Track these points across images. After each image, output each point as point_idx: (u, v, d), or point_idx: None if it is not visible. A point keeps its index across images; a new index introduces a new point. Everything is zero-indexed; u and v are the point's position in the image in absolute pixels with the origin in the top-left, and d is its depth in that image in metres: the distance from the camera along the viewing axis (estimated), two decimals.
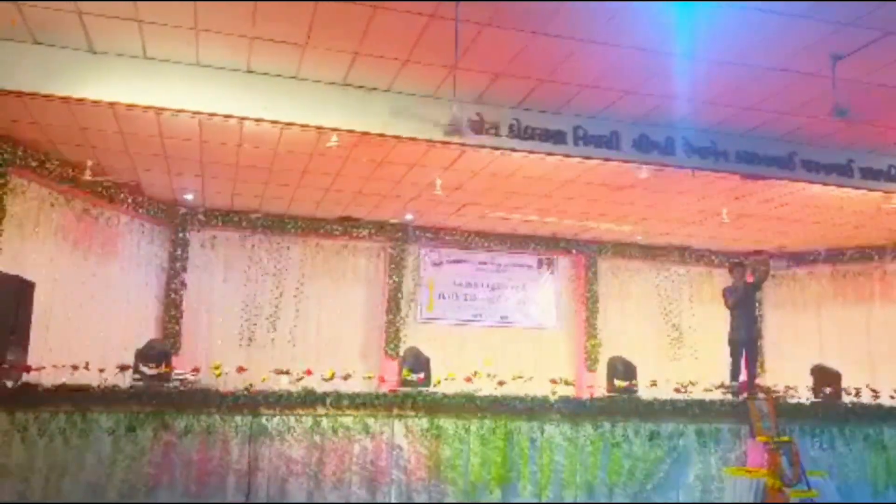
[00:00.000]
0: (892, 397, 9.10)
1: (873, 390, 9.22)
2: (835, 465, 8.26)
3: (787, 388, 9.57)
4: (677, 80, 7.18)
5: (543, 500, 7.41)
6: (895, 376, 10.24)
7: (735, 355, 9.53)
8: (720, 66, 6.95)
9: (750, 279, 10.11)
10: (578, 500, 7.50)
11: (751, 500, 7.49)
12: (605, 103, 7.91)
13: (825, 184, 9.14)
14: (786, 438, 7.85)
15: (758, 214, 11.36)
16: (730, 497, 7.60)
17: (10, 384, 6.71)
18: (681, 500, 7.72)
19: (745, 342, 9.49)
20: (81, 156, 9.22)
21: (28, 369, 7.04)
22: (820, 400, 8.85)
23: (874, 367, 12.16)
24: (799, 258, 13.95)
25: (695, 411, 8.03)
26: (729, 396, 8.79)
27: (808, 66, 6.86)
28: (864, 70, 6.84)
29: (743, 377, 9.42)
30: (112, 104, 7.19)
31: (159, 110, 7.36)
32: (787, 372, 10.69)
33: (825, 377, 9.22)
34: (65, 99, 7.07)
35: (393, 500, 7.06)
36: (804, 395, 9.14)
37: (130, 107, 7.24)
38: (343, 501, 6.93)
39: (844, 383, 9.16)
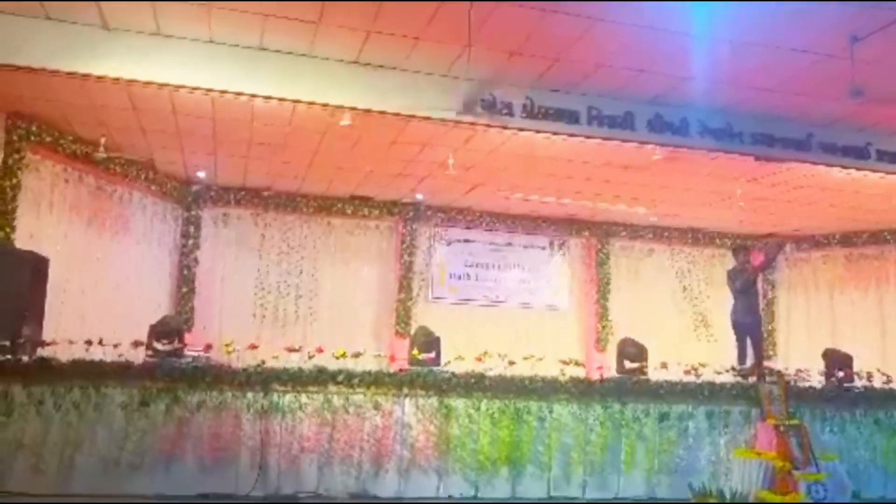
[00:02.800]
0: None
1: (885, 374, 9.17)
2: (845, 448, 8.25)
3: (799, 371, 9.53)
4: (693, 60, 7.10)
5: (552, 479, 7.46)
6: None
7: (740, 338, 9.58)
8: (737, 47, 6.86)
9: (756, 261, 10.13)
10: (586, 480, 7.54)
11: (760, 483, 7.50)
12: (620, 83, 7.83)
13: (842, 166, 9.05)
14: (796, 421, 7.84)
15: (772, 197, 11.26)
16: (738, 479, 7.61)
17: (25, 359, 6.80)
18: (690, 482, 7.75)
19: (748, 325, 9.52)
20: (95, 133, 9.25)
21: (43, 344, 7.13)
22: (831, 383, 8.82)
23: (886, 351, 12.10)
24: (813, 242, 13.85)
25: (704, 393, 8.04)
26: (739, 379, 8.78)
27: (826, 47, 6.76)
28: (882, 51, 6.73)
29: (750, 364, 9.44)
30: (125, 81, 7.19)
31: (172, 87, 7.37)
32: (798, 355, 10.65)
33: (837, 361, 9.19)
34: (77, 75, 7.08)
35: (404, 477, 7.12)
36: (815, 379, 9.11)
37: (143, 84, 7.25)
38: (352, 478, 7.00)
39: (856, 367, 9.12)
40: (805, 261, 14.07)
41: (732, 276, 9.63)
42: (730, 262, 13.97)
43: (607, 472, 7.61)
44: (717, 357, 10.17)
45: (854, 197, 11.02)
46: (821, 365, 9.27)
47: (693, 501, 7.48)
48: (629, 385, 8.07)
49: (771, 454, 7.55)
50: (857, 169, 9.11)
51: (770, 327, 13.73)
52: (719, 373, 8.78)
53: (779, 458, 7.47)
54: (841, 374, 8.95)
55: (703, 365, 8.75)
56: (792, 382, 8.60)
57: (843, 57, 6.74)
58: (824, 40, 6.64)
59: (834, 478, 7.57)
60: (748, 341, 9.57)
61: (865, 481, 8.16)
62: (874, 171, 9.18)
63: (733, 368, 9.19)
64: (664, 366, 8.66)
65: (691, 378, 8.35)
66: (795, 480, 7.36)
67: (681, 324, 13.98)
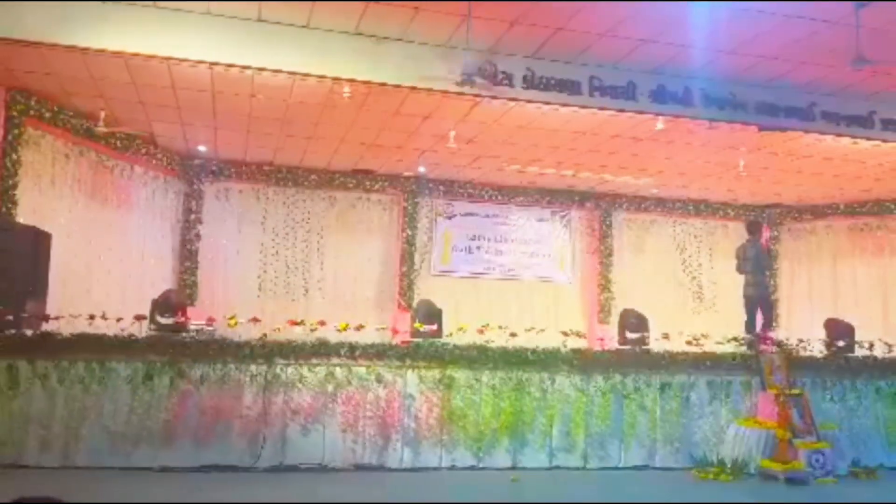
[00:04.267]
0: None
1: (887, 343, 9.19)
2: (846, 417, 8.30)
3: (800, 340, 9.55)
4: (695, 28, 7.02)
5: (553, 448, 7.52)
6: None
7: (750, 310, 9.71)
8: (739, 14, 6.78)
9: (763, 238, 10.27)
10: (587, 449, 7.60)
11: (760, 451, 7.56)
12: (622, 53, 7.76)
13: (846, 135, 8.99)
14: (797, 391, 7.88)
15: (776, 167, 11.20)
16: (740, 448, 7.66)
17: (30, 333, 6.85)
18: (691, 451, 7.81)
19: (760, 297, 9.75)
20: (95, 107, 9.21)
21: (47, 318, 7.18)
22: (832, 353, 8.85)
23: (888, 321, 12.11)
24: (816, 211, 13.81)
25: (706, 364, 8.07)
26: (741, 349, 8.81)
27: (831, 14, 6.68)
28: (887, 18, 6.64)
29: (759, 330, 9.56)
30: (124, 54, 7.15)
31: (171, 60, 7.32)
32: (800, 325, 10.67)
33: (838, 330, 9.21)
34: (76, 49, 7.05)
35: (407, 447, 7.19)
36: (817, 348, 9.14)
37: (141, 56, 7.20)
38: (357, 448, 7.07)
39: (858, 336, 9.14)
40: (808, 230, 14.03)
41: (745, 250, 9.77)
42: (733, 232, 14.09)
43: (608, 442, 7.67)
44: (719, 328, 10.19)
45: (858, 166, 10.95)
46: (822, 334, 9.30)
47: (694, 470, 7.56)
48: (631, 356, 8.10)
49: (772, 423, 7.60)
50: (862, 138, 9.04)
51: (773, 297, 13.75)
52: (721, 343, 8.80)
53: (780, 427, 7.52)
54: (842, 343, 8.97)
55: (704, 336, 8.77)
56: (794, 352, 8.62)
57: (847, 24, 6.67)
58: (828, 7, 6.55)
59: (834, 446, 7.63)
60: (757, 313, 9.77)
61: (866, 450, 8.21)
62: (878, 140, 9.11)
63: (735, 339, 9.22)
64: (666, 336, 8.68)
65: (693, 349, 8.38)
66: (796, 449, 7.42)
67: (683, 295, 14.00)
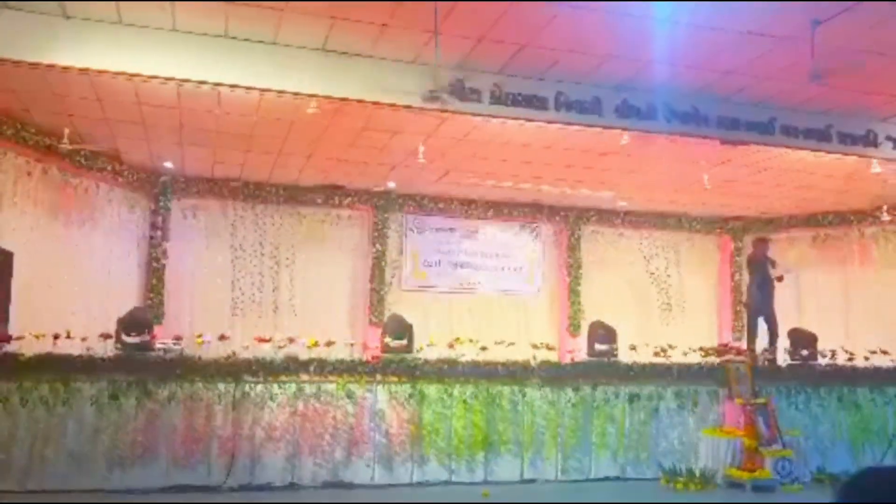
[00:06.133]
0: (866, 359, 9.29)
1: (848, 352, 9.39)
2: (810, 424, 8.47)
3: (765, 350, 9.73)
4: (658, 44, 7.15)
5: (525, 461, 7.55)
6: (870, 339, 10.42)
7: (752, 322, 10.26)
8: (700, 30, 6.92)
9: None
10: (559, 461, 7.64)
11: (728, 460, 7.66)
12: (587, 69, 7.88)
13: (804, 149, 9.19)
14: (762, 400, 8.01)
15: (740, 180, 11.41)
16: (706, 457, 7.76)
17: None
18: (660, 461, 7.88)
19: (763, 310, 10.15)
20: (58, 123, 9.08)
21: (9, 339, 7.04)
22: (796, 362, 9.01)
23: (850, 330, 12.36)
24: (779, 223, 14.08)
25: (673, 374, 8.18)
26: (708, 360, 8.94)
27: (788, 31, 6.85)
28: (843, 35, 6.84)
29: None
30: (86, 70, 7.07)
31: (136, 77, 7.26)
32: (764, 334, 10.84)
33: (802, 340, 9.39)
34: (36, 65, 6.94)
35: (378, 463, 7.16)
36: (781, 358, 9.31)
37: (105, 73, 7.13)
38: (327, 466, 7.02)
39: (820, 346, 9.33)
40: (771, 242, 14.28)
41: (752, 265, 10.40)
42: (699, 244, 14.32)
43: (580, 454, 7.72)
44: (686, 339, 10.34)
45: (818, 178, 11.21)
46: (786, 344, 9.47)
47: (663, 479, 7.62)
48: (600, 367, 8.18)
49: (739, 432, 7.72)
50: (819, 151, 9.26)
51: (738, 309, 13.96)
52: (687, 353, 8.93)
53: (746, 435, 7.64)
54: (805, 352, 9.15)
55: (672, 347, 8.90)
56: (758, 361, 8.78)
57: (804, 40, 6.84)
58: (786, 24, 6.72)
59: (797, 453, 7.76)
60: (758, 324, 10.21)
61: (830, 456, 8.36)
62: (837, 153, 9.34)
63: (701, 349, 9.34)
64: (634, 348, 8.79)
65: (661, 360, 8.49)
66: (762, 457, 7.54)
67: (651, 307, 14.15)
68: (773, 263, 10.40)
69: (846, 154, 9.32)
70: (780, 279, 10.14)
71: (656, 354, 8.62)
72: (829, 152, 9.28)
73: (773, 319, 10.08)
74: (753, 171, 10.91)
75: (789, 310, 13.51)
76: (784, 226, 14.06)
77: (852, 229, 13.43)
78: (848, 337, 11.51)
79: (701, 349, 9.16)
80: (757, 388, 8.05)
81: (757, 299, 10.09)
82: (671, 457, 7.90)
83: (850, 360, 9.25)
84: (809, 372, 8.76)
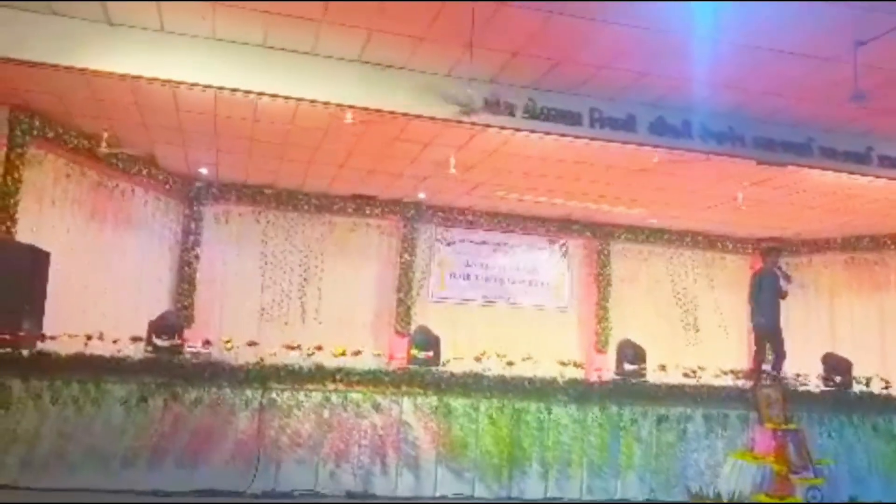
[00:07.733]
0: None
1: (884, 380, 9.17)
2: (843, 453, 8.26)
3: (798, 375, 9.53)
4: (695, 62, 7.09)
5: (550, 479, 7.46)
6: None
7: (759, 341, 9.39)
8: (739, 49, 6.86)
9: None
10: (584, 481, 7.54)
11: (757, 486, 7.50)
12: (622, 85, 7.83)
13: (843, 171, 9.04)
14: (794, 426, 7.84)
15: (773, 200, 11.26)
16: (736, 482, 7.60)
17: (25, 352, 6.81)
18: (687, 484, 7.75)
19: (768, 328, 9.16)
20: (97, 128, 9.26)
21: (43, 338, 7.15)
22: (830, 388, 8.82)
23: (886, 357, 12.09)
24: (814, 245, 13.84)
25: (703, 396, 8.04)
26: (739, 383, 8.78)
27: (830, 51, 6.76)
28: (886, 55, 6.72)
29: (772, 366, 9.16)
30: (128, 77, 7.20)
31: (175, 84, 7.37)
32: (797, 359, 10.63)
33: (836, 365, 9.18)
34: (81, 70, 7.08)
35: (402, 475, 7.12)
36: (814, 383, 9.11)
37: (146, 80, 7.24)
38: (351, 476, 7.01)
39: (855, 372, 9.11)
40: (805, 265, 14.03)
41: (761, 277, 9.22)
42: (731, 264, 14.12)
43: (605, 474, 7.61)
44: (717, 359, 10.17)
45: (855, 202, 11.01)
46: (820, 369, 9.27)
47: (691, 503, 7.49)
48: (627, 387, 8.08)
49: (769, 458, 7.56)
50: (858, 174, 9.09)
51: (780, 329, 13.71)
52: (717, 375, 8.78)
53: (776, 461, 7.47)
54: (839, 378, 8.94)
55: (701, 368, 8.76)
56: (791, 387, 8.60)
57: (846, 61, 6.74)
58: (828, 44, 6.63)
59: (829, 482, 7.57)
60: (766, 344, 9.23)
61: (863, 487, 8.16)
62: (876, 176, 9.17)
63: (732, 371, 9.17)
64: (663, 368, 8.66)
65: (690, 381, 8.36)
66: (792, 484, 7.37)
67: (680, 327, 13.97)
68: (788, 278, 9.31)
69: (887, 178, 9.14)
70: (784, 296, 9.17)
71: (685, 375, 8.49)
72: (867, 175, 9.12)
73: (780, 339, 9.21)
74: (788, 193, 10.75)
75: (823, 334, 13.28)
76: (818, 248, 13.82)
77: (888, 254, 13.16)
78: (884, 364, 11.25)
79: (732, 371, 8.99)
80: (789, 414, 7.89)
81: (768, 316, 9.06)
82: (699, 480, 7.75)
83: (885, 387, 9.03)
84: (843, 399, 8.57)
